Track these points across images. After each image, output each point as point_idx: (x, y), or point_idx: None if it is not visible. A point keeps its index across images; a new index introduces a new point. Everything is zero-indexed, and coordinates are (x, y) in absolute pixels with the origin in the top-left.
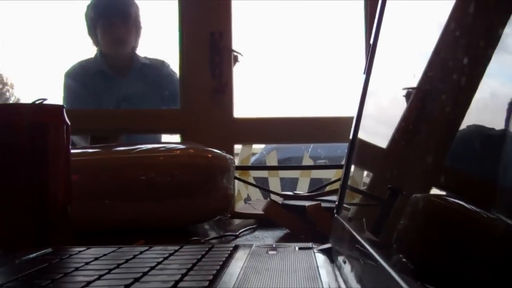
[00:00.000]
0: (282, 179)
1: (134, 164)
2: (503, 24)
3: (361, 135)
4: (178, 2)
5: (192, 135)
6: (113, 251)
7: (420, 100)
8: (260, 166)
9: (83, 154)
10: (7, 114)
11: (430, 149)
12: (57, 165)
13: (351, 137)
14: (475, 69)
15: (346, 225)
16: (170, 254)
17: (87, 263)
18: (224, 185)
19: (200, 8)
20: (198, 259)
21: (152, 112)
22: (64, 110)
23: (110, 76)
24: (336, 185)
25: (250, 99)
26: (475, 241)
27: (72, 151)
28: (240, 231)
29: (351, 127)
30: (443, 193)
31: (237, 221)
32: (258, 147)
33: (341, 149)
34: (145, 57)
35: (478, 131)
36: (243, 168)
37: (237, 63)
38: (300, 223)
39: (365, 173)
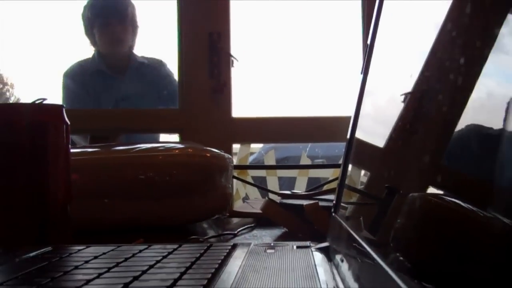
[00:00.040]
0: (280, 178)
1: (133, 164)
2: (499, 24)
3: (359, 134)
4: (177, 2)
5: (191, 135)
6: (112, 250)
7: (417, 99)
8: (258, 165)
9: (83, 153)
10: (7, 114)
11: (427, 148)
12: (57, 164)
13: (348, 136)
14: (471, 69)
15: (344, 224)
16: (169, 253)
17: (86, 262)
18: (222, 184)
19: (198, 9)
20: (196, 258)
21: (151, 112)
22: (64, 109)
23: (108, 75)
24: (334, 184)
25: (248, 98)
26: (471, 240)
27: (72, 150)
28: (239, 230)
29: (348, 126)
30: (440, 192)
31: (235, 220)
32: (256, 147)
33: (338, 148)
34: (143, 57)
35: (475, 130)
36: (242, 167)
37: (235, 64)
38: (298, 222)
39: (363, 172)
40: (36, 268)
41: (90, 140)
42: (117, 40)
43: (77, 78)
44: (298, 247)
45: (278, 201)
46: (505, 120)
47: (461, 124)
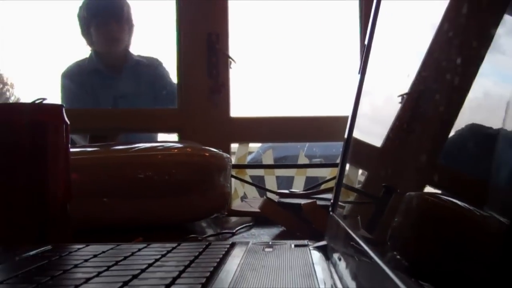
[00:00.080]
0: (278, 178)
1: (132, 163)
2: (496, 25)
3: (356, 134)
4: (176, 3)
5: (190, 134)
6: (111, 249)
7: (414, 99)
8: (256, 164)
9: (82, 153)
10: (7, 113)
11: (424, 148)
12: (56, 164)
13: (346, 136)
14: (468, 69)
15: (341, 222)
16: (168, 252)
17: (86, 260)
18: (221, 183)
19: (197, 9)
20: (195, 256)
21: (150, 112)
22: (64, 109)
23: (106, 74)
24: (332, 184)
25: (246, 98)
26: (468, 238)
27: (72, 150)
28: (237, 228)
29: (346, 126)
30: (437, 191)
31: (233, 219)
32: (254, 146)
33: (336, 148)
34: (139, 55)
35: (472, 130)
36: (240, 166)
37: (233, 64)
38: (296, 221)
39: (360, 171)
40: (36, 266)
41: (90, 140)
42: (113, 39)
43: (75, 78)
44: (296, 245)
45: (276, 200)
46: (501, 120)
47: (458, 124)
